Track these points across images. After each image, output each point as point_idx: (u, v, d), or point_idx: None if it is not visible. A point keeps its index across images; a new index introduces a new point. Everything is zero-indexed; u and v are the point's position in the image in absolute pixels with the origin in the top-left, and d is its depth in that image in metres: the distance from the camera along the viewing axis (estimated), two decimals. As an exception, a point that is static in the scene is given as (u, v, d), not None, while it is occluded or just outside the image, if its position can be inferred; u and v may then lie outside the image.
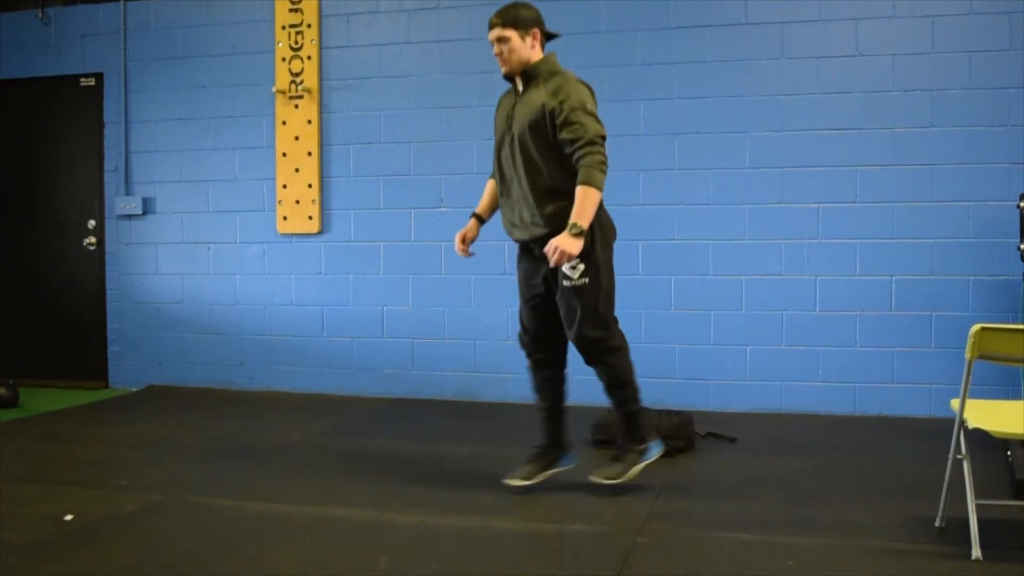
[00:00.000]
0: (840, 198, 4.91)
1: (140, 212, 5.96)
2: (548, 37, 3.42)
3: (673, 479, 3.68)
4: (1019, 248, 4.21)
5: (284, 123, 5.68)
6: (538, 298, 3.44)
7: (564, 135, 3.19)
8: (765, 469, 3.85)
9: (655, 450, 3.48)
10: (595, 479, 3.40)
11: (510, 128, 3.34)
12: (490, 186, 3.62)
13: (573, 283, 3.26)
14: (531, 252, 3.42)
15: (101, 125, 6.06)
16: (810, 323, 4.95)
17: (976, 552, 2.69)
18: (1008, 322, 4.39)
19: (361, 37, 5.59)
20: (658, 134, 5.12)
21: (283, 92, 5.66)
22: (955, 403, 2.88)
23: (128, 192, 6.01)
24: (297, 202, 5.68)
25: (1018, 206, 4.26)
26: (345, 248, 5.65)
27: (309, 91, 5.62)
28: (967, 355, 2.73)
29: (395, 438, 4.51)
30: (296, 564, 2.78)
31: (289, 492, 3.55)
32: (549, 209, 3.26)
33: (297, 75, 5.65)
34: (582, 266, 3.24)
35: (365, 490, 3.56)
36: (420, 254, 5.51)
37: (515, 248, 3.57)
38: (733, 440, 4.35)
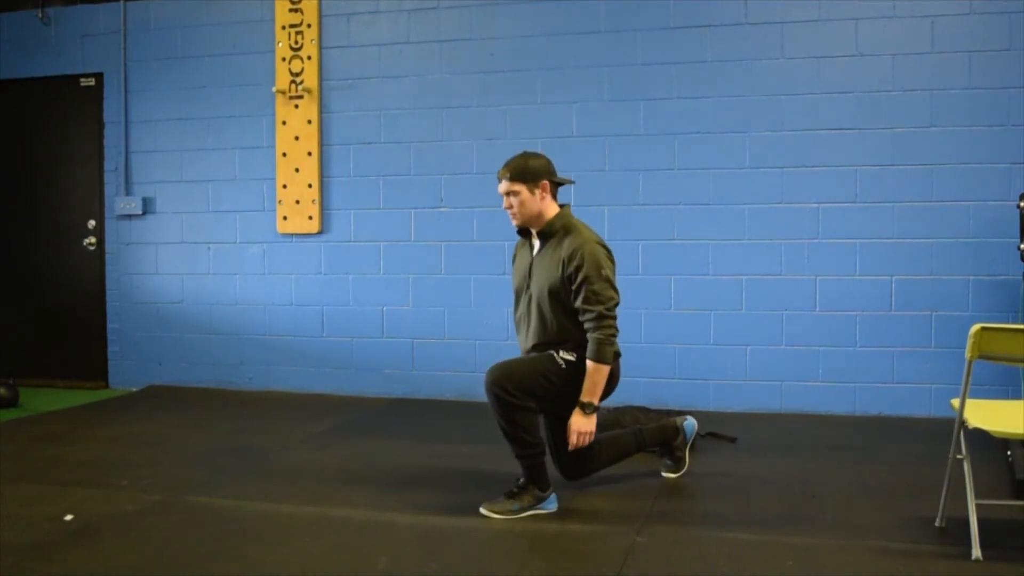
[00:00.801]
0: (840, 198, 4.91)
1: (140, 212, 5.97)
2: (558, 185, 3.39)
3: (673, 479, 3.68)
4: (1019, 248, 4.21)
5: (284, 123, 5.68)
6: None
7: (579, 303, 3.19)
8: (765, 469, 3.85)
9: (552, 504, 3.26)
10: (485, 511, 3.22)
11: (528, 287, 3.36)
12: None
13: (555, 358, 3.24)
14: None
15: (101, 125, 6.06)
16: (810, 323, 4.95)
17: (976, 552, 2.69)
18: (1008, 322, 4.39)
19: (361, 37, 5.59)
20: (658, 134, 5.12)
21: (283, 92, 5.66)
22: (955, 403, 2.88)
23: (128, 192, 6.01)
24: (297, 202, 5.68)
25: (1018, 206, 4.26)
26: (345, 248, 5.65)
27: (309, 91, 5.62)
28: (967, 355, 2.73)
29: (395, 438, 4.51)
30: (296, 564, 2.78)
31: (289, 492, 3.55)
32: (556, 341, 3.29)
33: (297, 75, 5.65)
34: (565, 366, 3.23)
35: (365, 490, 3.56)
36: (420, 254, 5.51)
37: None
38: (733, 440, 4.35)
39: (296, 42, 5.64)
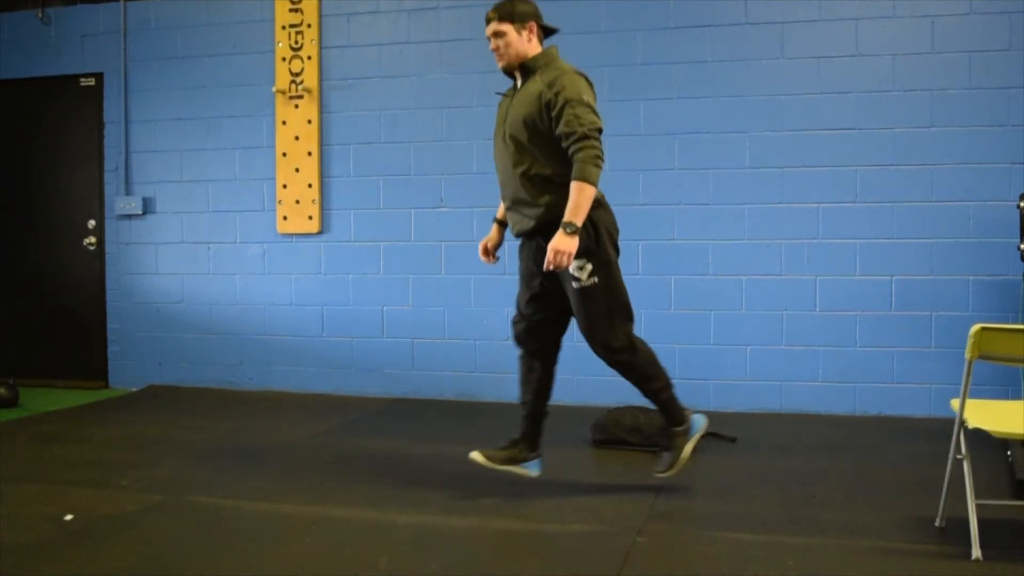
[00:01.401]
0: (840, 198, 4.91)
1: (140, 212, 5.97)
2: (546, 32, 3.39)
3: (673, 479, 3.67)
4: (1019, 248, 4.21)
5: (284, 123, 5.68)
6: (537, 298, 3.39)
7: (560, 128, 3.12)
8: (765, 469, 3.85)
9: (699, 424, 3.43)
10: (659, 474, 3.39)
11: (504, 122, 3.31)
12: None
13: (583, 284, 3.18)
14: (530, 246, 3.37)
15: (101, 125, 6.06)
16: (810, 323, 4.95)
17: (976, 552, 2.69)
18: (1008, 322, 4.39)
19: (361, 37, 5.59)
20: (658, 134, 5.12)
21: (283, 92, 5.66)
22: (955, 403, 2.88)
23: (128, 192, 6.01)
24: (297, 202, 5.68)
25: (1018, 206, 4.26)
26: (345, 248, 5.65)
27: (309, 91, 5.62)
28: (967, 355, 2.73)
29: (395, 438, 4.51)
30: (296, 564, 2.78)
31: (289, 492, 3.55)
32: (544, 199, 3.20)
33: (297, 75, 5.65)
34: (590, 265, 3.17)
35: (365, 490, 3.56)
36: (420, 254, 5.51)
37: (515, 248, 3.57)
38: (733, 440, 4.35)
39: (296, 42, 5.64)
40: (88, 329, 6.16)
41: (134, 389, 5.97)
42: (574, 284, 3.20)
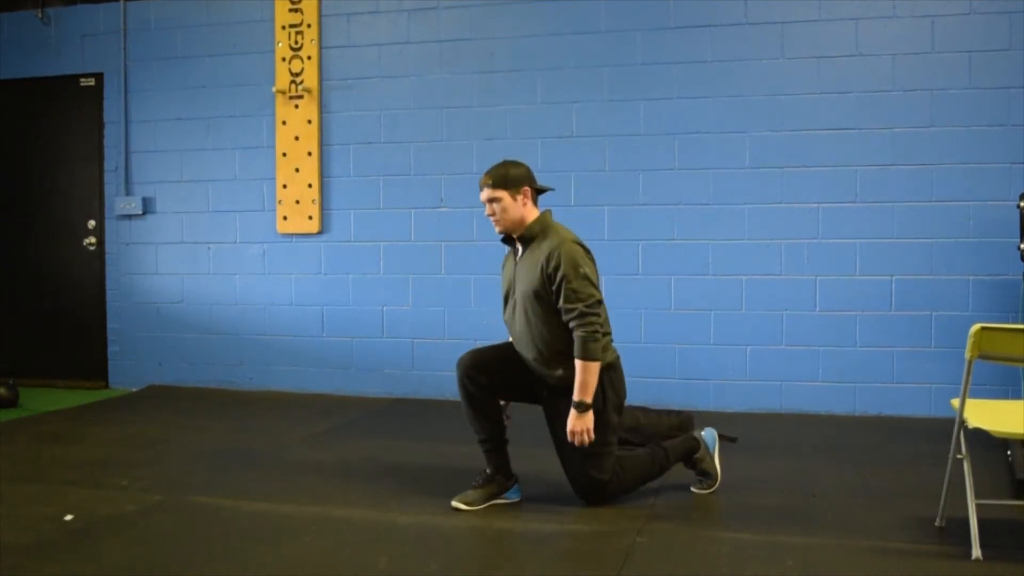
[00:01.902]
0: (840, 198, 4.91)
1: (140, 212, 5.97)
2: (539, 192, 3.41)
3: (673, 479, 3.67)
4: (1019, 248, 4.21)
5: (284, 123, 5.68)
6: (518, 385, 3.41)
7: (560, 303, 3.20)
8: (765, 469, 3.85)
9: (710, 437, 3.58)
10: (701, 491, 3.47)
11: (513, 292, 3.36)
12: None
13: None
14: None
15: (101, 125, 6.06)
16: (810, 323, 4.95)
17: (976, 552, 2.69)
18: (1008, 322, 4.39)
19: (361, 37, 5.59)
20: (658, 134, 5.12)
21: (283, 92, 5.66)
22: (955, 403, 2.88)
23: (128, 192, 6.01)
24: (297, 202, 5.68)
25: (1018, 206, 4.26)
26: (345, 248, 5.65)
27: (309, 91, 5.62)
28: (967, 355, 2.73)
29: (395, 438, 4.51)
30: (296, 564, 2.78)
31: (289, 492, 3.55)
32: (558, 373, 3.27)
33: (297, 75, 5.65)
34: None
35: (365, 490, 3.56)
36: (420, 254, 5.51)
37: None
38: (733, 440, 4.34)
39: (296, 42, 5.64)
40: (88, 329, 6.16)
41: (134, 389, 5.97)
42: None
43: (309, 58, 5.62)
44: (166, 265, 5.97)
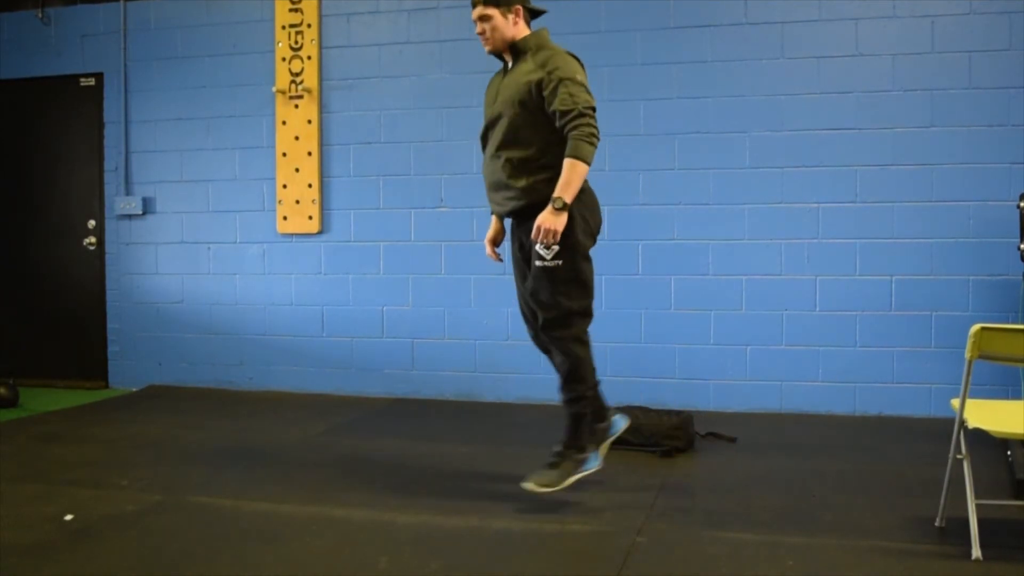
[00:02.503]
0: (840, 198, 4.91)
1: (140, 212, 5.97)
2: (533, 14, 3.35)
3: (673, 479, 3.68)
4: (1019, 248, 4.21)
5: (284, 123, 5.68)
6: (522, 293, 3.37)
7: (554, 105, 3.08)
8: (765, 469, 3.85)
9: (594, 462, 3.28)
10: (527, 486, 3.21)
11: (494, 103, 3.28)
12: None
13: (545, 264, 3.14)
14: (514, 233, 3.34)
15: (101, 125, 6.06)
16: (810, 323, 4.95)
17: (976, 552, 2.69)
18: (1008, 322, 4.39)
19: (361, 37, 5.59)
20: (658, 134, 5.12)
21: (283, 92, 5.66)
22: (955, 403, 2.88)
23: (128, 192, 6.01)
24: (297, 202, 5.68)
25: (1018, 206, 4.26)
26: (345, 248, 5.65)
27: (309, 91, 5.62)
28: (967, 355, 2.73)
29: (395, 438, 4.51)
30: (296, 564, 2.78)
31: (289, 492, 3.55)
32: (524, 182, 3.18)
33: (297, 75, 5.65)
34: (556, 247, 3.11)
35: (365, 490, 3.56)
36: (420, 254, 5.51)
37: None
38: (733, 440, 4.35)
39: (296, 42, 5.64)
40: (88, 329, 6.16)
41: (134, 389, 5.97)
42: (537, 262, 3.17)
43: (309, 58, 5.62)
44: (166, 265, 5.97)
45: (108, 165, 6.06)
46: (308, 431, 4.65)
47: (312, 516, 3.23)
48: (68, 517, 3.18)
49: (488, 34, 3.24)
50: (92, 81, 6.07)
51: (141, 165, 5.99)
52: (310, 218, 5.67)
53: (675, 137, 5.10)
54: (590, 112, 3.11)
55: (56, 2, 6.10)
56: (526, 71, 3.19)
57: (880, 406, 4.88)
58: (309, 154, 5.65)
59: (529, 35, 3.29)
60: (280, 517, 3.23)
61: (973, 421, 2.81)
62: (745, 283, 5.04)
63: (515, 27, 3.26)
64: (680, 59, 5.09)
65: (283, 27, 5.66)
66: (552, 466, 3.25)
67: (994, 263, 4.71)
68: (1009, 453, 3.65)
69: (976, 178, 4.74)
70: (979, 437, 2.92)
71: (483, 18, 3.23)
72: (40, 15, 6.08)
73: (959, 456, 2.86)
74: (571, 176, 3.05)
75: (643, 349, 5.13)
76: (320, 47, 5.63)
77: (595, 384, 3.32)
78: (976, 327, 2.70)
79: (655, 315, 5.14)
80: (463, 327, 5.44)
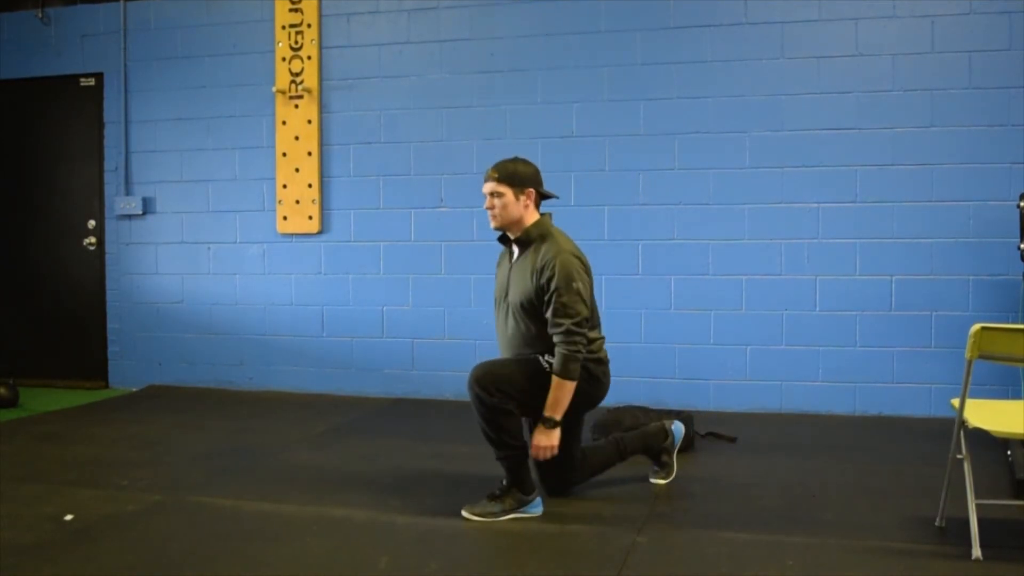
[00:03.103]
0: (840, 198, 4.91)
1: (140, 212, 5.97)
2: (543, 197, 3.37)
3: (673, 479, 3.68)
4: (1019, 248, 4.21)
5: (284, 123, 5.68)
6: None
7: (548, 314, 3.17)
8: (765, 469, 3.85)
9: (536, 508, 3.23)
10: (466, 513, 3.21)
11: (506, 296, 3.34)
12: None
13: (540, 360, 3.25)
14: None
15: (101, 125, 6.06)
16: (810, 323, 4.95)
17: (976, 552, 2.69)
18: (1008, 322, 4.39)
19: (361, 37, 5.59)
20: (658, 134, 5.12)
21: (283, 92, 5.66)
22: (955, 403, 2.88)
23: (128, 192, 6.01)
24: (297, 202, 5.68)
25: (1018, 206, 4.26)
26: (345, 248, 5.65)
27: (309, 91, 5.62)
28: (967, 355, 2.73)
29: (395, 438, 4.51)
30: (296, 564, 2.78)
31: (289, 492, 3.55)
32: (534, 350, 3.28)
33: (297, 75, 5.65)
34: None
35: (365, 490, 3.56)
36: (420, 254, 5.51)
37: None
38: (733, 440, 4.35)
39: (296, 42, 5.64)
40: (88, 329, 6.16)
41: (134, 389, 5.97)
42: (536, 354, 3.25)
43: (309, 58, 5.62)
44: (166, 265, 5.97)
45: (108, 165, 6.06)
46: (308, 431, 4.65)
47: (312, 516, 3.23)
48: (68, 517, 3.18)
49: (496, 210, 3.26)
50: (92, 81, 6.07)
51: (141, 165, 5.99)
52: (310, 218, 5.67)
53: (675, 137, 5.10)
54: (578, 330, 3.14)
55: (56, 2, 6.11)
56: (530, 269, 3.23)
57: (880, 406, 4.88)
58: (309, 154, 5.65)
59: (533, 224, 3.30)
60: (280, 517, 3.23)
61: (973, 421, 2.81)
62: (745, 283, 5.04)
63: (525, 209, 3.28)
64: (680, 59, 5.09)
65: (283, 27, 5.66)
66: (493, 499, 3.22)
67: (994, 263, 4.71)
68: (1009, 453, 3.65)
69: (976, 178, 4.74)
70: (979, 437, 2.92)
71: (495, 194, 3.25)
72: (40, 15, 6.08)
73: (959, 456, 2.86)
74: (559, 395, 3.16)
75: (643, 349, 5.13)
76: (320, 47, 5.63)
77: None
78: (976, 327, 2.70)
79: (655, 315, 5.14)
80: (463, 327, 5.44)
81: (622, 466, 3.72)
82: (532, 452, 3.20)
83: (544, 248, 3.22)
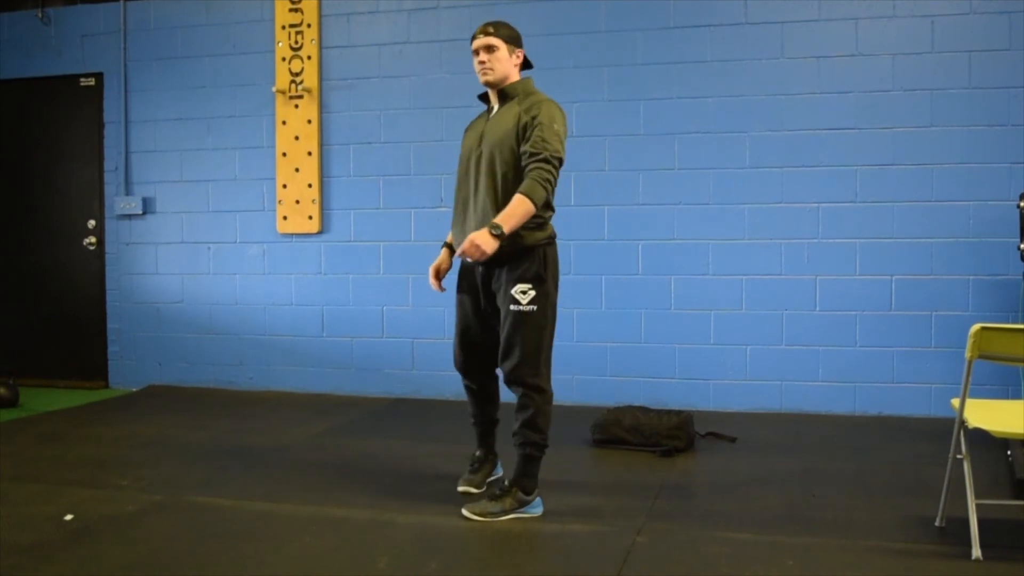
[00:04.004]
0: (840, 198, 4.91)
1: (140, 212, 5.97)
2: (526, 65, 3.40)
3: (673, 479, 3.68)
4: (1019, 248, 4.21)
5: (284, 123, 5.68)
6: (471, 327, 3.37)
7: (525, 146, 3.12)
8: (765, 469, 3.85)
9: (536, 509, 3.23)
10: (464, 512, 3.20)
11: (479, 144, 3.28)
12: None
13: (521, 308, 3.14)
14: (474, 275, 3.32)
15: (101, 125, 6.06)
16: (810, 323, 4.96)
17: (976, 552, 2.69)
18: (1008, 322, 4.39)
19: (361, 37, 5.59)
20: (658, 134, 5.12)
21: (283, 92, 5.66)
22: (955, 403, 2.88)
23: (128, 192, 6.01)
24: (297, 202, 5.68)
25: (1018, 206, 4.26)
26: (345, 248, 5.65)
27: (309, 91, 5.62)
28: (967, 355, 2.74)
29: (395, 438, 4.51)
30: (296, 564, 2.78)
31: (289, 492, 3.55)
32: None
33: (297, 75, 5.65)
34: (533, 292, 3.14)
35: (365, 490, 3.56)
36: (420, 254, 5.51)
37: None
38: (733, 440, 4.35)
39: (296, 42, 5.64)
40: (88, 329, 6.16)
41: (134, 389, 5.97)
42: (512, 307, 3.16)
43: (309, 58, 5.63)
44: (166, 265, 5.97)
45: (108, 165, 6.06)
46: (308, 431, 4.65)
47: (312, 516, 3.23)
48: (68, 517, 3.19)
49: (489, 63, 3.24)
50: (92, 81, 6.08)
51: (141, 165, 5.99)
52: (310, 218, 5.67)
53: (675, 137, 5.10)
54: (555, 161, 3.12)
55: (56, 2, 6.11)
56: (512, 115, 3.21)
57: (880, 406, 4.88)
58: (309, 154, 5.65)
59: (518, 80, 3.30)
60: (280, 517, 3.23)
61: (973, 421, 2.81)
62: (745, 283, 5.04)
63: (514, 68, 3.29)
64: (680, 59, 5.09)
65: (283, 27, 5.67)
66: (494, 499, 3.22)
67: (994, 263, 4.71)
68: (1009, 453, 3.65)
69: (976, 178, 4.74)
70: (979, 437, 2.92)
71: (489, 48, 3.24)
72: (40, 15, 6.08)
73: (959, 456, 2.86)
74: (517, 209, 3.04)
75: (643, 349, 5.13)
76: (320, 47, 5.63)
77: (546, 439, 3.24)
78: (976, 327, 2.71)
79: (655, 315, 5.14)
80: (463, 327, 5.44)
81: (622, 466, 3.72)
82: (463, 247, 3.04)
83: (531, 98, 3.22)
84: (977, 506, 2.75)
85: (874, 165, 4.86)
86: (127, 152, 6.00)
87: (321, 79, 5.64)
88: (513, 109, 3.23)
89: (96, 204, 6.12)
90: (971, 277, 4.77)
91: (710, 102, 5.05)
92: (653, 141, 5.13)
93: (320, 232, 5.68)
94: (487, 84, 3.29)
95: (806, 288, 4.96)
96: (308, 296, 5.73)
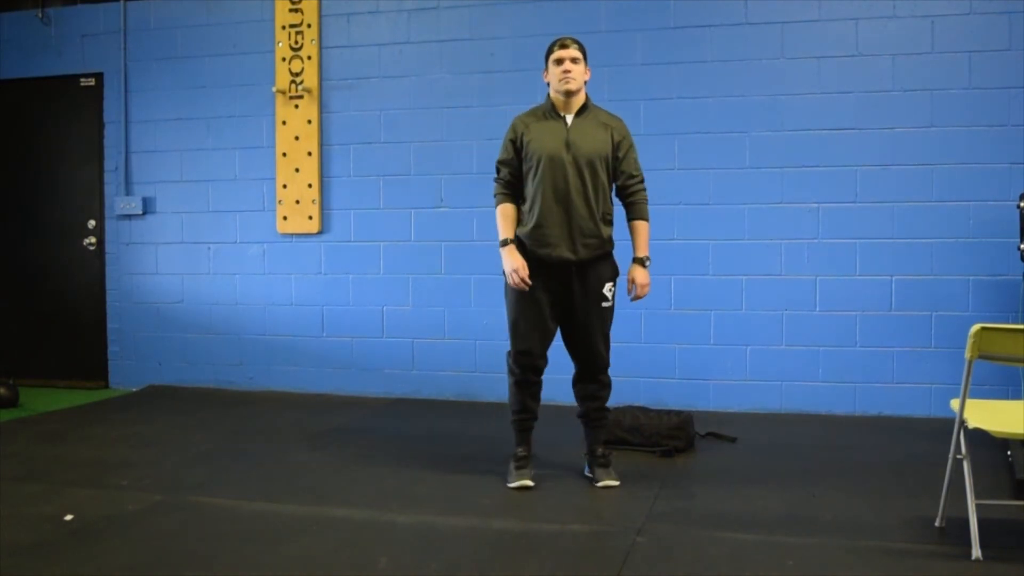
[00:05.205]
0: (840, 198, 4.91)
1: (140, 212, 5.97)
2: None
3: (673, 479, 3.68)
4: (1019, 248, 4.21)
5: (284, 123, 5.68)
6: (548, 324, 3.56)
7: (626, 167, 3.56)
8: (765, 469, 3.85)
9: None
10: (606, 483, 3.56)
11: (568, 150, 3.47)
12: (511, 210, 3.57)
13: (609, 304, 3.56)
14: (552, 274, 3.49)
15: (101, 125, 6.06)
16: (810, 323, 4.95)
17: (976, 552, 2.69)
18: (1008, 322, 4.39)
19: (361, 37, 5.59)
20: (658, 134, 5.12)
21: (283, 92, 5.66)
22: (955, 403, 2.88)
23: (128, 192, 6.01)
24: (297, 202, 5.68)
25: (1018, 206, 4.26)
26: (345, 248, 5.65)
27: (309, 91, 5.62)
28: (967, 355, 2.74)
29: (395, 438, 4.51)
30: (296, 564, 2.78)
31: (289, 492, 3.55)
32: (608, 232, 3.55)
33: (297, 75, 5.65)
34: (614, 289, 3.59)
35: (365, 490, 3.56)
36: (420, 254, 5.51)
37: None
38: (733, 440, 4.35)
39: (296, 42, 5.64)
40: (88, 329, 6.16)
41: (134, 389, 5.97)
42: (603, 304, 3.54)
43: (309, 58, 5.63)
44: (166, 265, 5.97)
45: (108, 165, 6.06)
46: (308, 431, 4.65)
47: (312, 516, 3.23)
48: (68, 517, 3.19)
49: (575, 74, 3.51)
50: (92, 81, 6.07)
51: (141, 165, 5.99)
52: (310, 218, 5.67)
53: (675, 137, 5.10)
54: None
55: (56, 2, 6.11)
56: (599, 128, 3.54)
57: (880, 406, 4.88)
58: (309, 154, 5.65)
59: (586, 94, 3.61)
60: (280, 517, 3.23)
61: (973, 421, 2.81)
62: (745, 283, 5.04)
63: (584, 81, 3.59)
64: (680, 59, 5.09)
65: (283, 27, 5.66)
66: (607, 464, 3.63)
67: (994, 263, 4.71)
68: (1009, 453, 3.65)
69: (976, 178, 4.74)
70: (979, 437, 2.92)
71: (575, 60, 3.52)
72: (40, 15, 6.08)
73: (959, 456, 2.86)
74: (647, 235, 3.63)
75: (643, 349, 5.13)
76: (320, 47, 5.63)
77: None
78: (976, 327, 2.71)
79: (655, 315, 5.14)
80: (463, 327, 5.44)
81: (622, 466, 3.72)
82: (637, 292, 3.56)
83: (603, 112, 3.61)
84: (977, 506, 2.75)
85: (874, 165, 4.86)
86: (127, 152, 6.00)
87: (321, 79, 5.64)
88: (595, 121, 3.55)
89: (96, 204, 6.12)
90: (971, 277, 4.77)
91: (710, 102, 5.05)
92: (653, 141, 5.12)
93: (320, 232, 5.68)
94: (567, 92, 3.52)
95: (806, 288, 4.96)
96: (308, 296, 5.73)
